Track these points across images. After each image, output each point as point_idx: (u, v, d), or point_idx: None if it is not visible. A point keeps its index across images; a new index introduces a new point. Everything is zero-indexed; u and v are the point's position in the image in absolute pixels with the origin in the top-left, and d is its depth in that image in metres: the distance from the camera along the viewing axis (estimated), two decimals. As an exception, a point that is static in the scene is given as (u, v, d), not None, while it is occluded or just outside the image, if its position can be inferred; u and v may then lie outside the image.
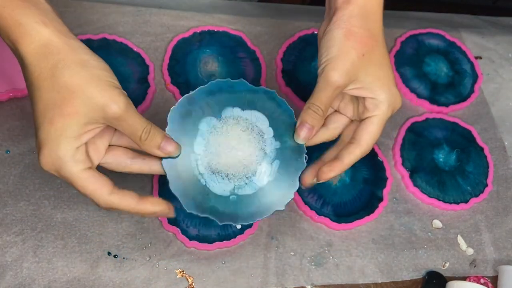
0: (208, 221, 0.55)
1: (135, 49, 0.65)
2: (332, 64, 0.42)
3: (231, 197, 0.45)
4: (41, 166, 0.38)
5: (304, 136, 0.43)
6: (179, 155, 0.43)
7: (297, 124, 0.44)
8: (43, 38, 0.38)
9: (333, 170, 0.44)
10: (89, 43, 0.64)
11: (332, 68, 0.42)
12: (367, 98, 0.44)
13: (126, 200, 0.40)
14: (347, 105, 0.47)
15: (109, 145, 0.43)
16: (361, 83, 0.43)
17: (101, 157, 0.42)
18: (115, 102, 0.38)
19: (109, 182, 0.40)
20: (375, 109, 0.44)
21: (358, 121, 0.46)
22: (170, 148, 0.41)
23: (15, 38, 0.38)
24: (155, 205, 0.42)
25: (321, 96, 0.43)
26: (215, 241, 0.55)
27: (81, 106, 0.37)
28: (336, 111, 0.48)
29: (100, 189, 0.39)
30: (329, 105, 0.44)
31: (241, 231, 0.56)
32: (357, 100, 0.45)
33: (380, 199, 0.61)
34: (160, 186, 0.57)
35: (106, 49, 0.64)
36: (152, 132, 0.40)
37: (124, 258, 0.54)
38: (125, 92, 0.40)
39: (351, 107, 0.46)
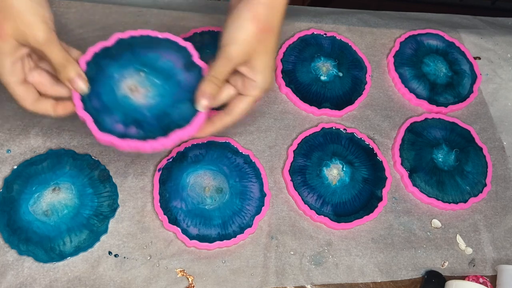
0: (208, 221, 0.56)
1: (135, 49, 0.65)
2: (235, 42, 0.47)
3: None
4: None
5: (204, 105, 0.48)
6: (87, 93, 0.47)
7: (198, 93, 0.48)
8: None
9: (203, 130, 0.50)
10: (90, 43, 0.64)
11: (234, 46, 0.47)
12: (249, 79, 0.49)
13: (44, 105, 0.48)
14: (235, 79, 0.52)
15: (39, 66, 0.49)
16: (251, 65, 0.48)
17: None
18: (35, 35, 0.44)
19: (35, 92, 0.48)
20: (252, 90, 0.49)
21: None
22: (79, 84, 0.46)
23: None
24: (66, 108, 0.49)
25: (221, 69, 0.48)
26: (215, 241, 0.55)
27: (10, 30, 0.44)
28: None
29: (27, 96, 0.47)
30: (226, 78, 0.49)
31: (241, 230, 0.56)
32: (242, 77, 0.51)
33: (380, 199, 0.61)
34: (160, 184, 0.57)
35: (106, 50, 0.64)
36: (68, 67, 0.46)
37: (124, 257, 0.54)
38: (52, 28, 0.45)
39: (239, 82, 0.51)
